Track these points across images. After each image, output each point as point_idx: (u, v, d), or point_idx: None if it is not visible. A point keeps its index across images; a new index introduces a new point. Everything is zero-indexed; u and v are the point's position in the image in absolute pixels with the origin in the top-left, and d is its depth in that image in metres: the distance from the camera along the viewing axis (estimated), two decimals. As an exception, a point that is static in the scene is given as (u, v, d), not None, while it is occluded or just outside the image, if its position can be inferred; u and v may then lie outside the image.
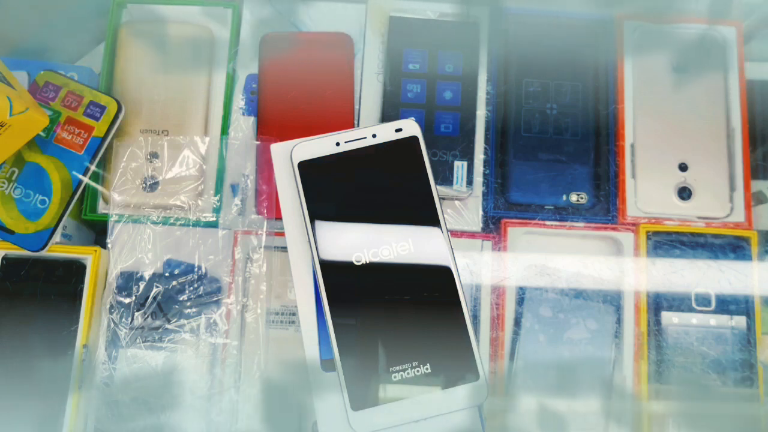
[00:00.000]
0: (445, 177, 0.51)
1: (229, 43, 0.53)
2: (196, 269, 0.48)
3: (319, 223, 0.39)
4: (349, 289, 0.38)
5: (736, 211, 0.51)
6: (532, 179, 0.51)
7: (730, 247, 0.50)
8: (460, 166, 0.51)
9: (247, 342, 0.47)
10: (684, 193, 0.51)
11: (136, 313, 0.47)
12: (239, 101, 0.53)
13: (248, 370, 0.47)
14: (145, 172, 0.50)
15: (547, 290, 0.49)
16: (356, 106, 0.53)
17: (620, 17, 0.54)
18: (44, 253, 0.48)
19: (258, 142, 0.51)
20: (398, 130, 0.40)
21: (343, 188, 0.40)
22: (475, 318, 0.49)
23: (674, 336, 0.48)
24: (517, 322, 0.49)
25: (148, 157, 0.50)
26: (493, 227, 0.51)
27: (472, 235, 0.50)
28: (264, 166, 0.50)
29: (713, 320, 0.49)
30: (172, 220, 0.49)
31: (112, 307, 0.48)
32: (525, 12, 0.54)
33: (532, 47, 0.54)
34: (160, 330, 0.47)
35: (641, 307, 0.49)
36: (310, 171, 0.40)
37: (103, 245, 0.49)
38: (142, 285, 0.48)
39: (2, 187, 0.48)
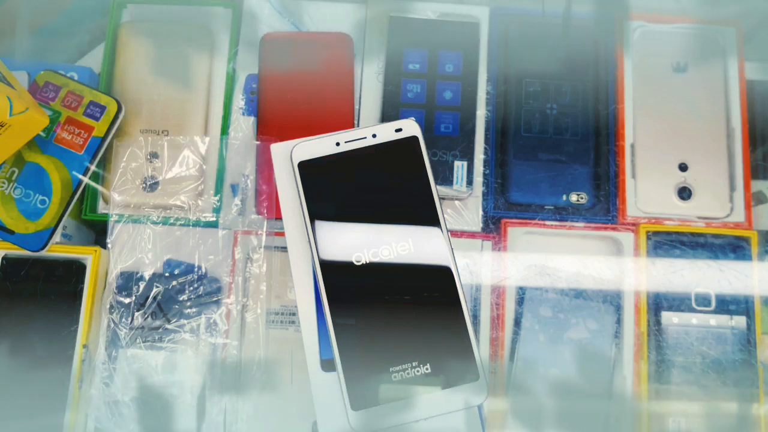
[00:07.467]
0: (445, 177, 0.51)
1: (229, 43, 0.53)
2: (196, 269, 0.48)
3: (319, 223, 0.39)
4: (349, 289, 0.38)
5: (736, 211, 0.51)
6: (532, 179, 0.51)
7: (730, 247, 0.50)
8: (460, 166, 0.51)
9: (247, 342, 0.47)
10: (684, 193, 0.51)
11: (136, 313, 0.47)
12: (239, 101, 0.53)
13: (248, 370, 0.47)
14: (145, 172, 0.50)
15: (547, 290, 0.49)
16: (356, 106, 0.53)
17: (620, 17, 0.54)
18: (44, 253, 0.48)
19: (258, 142, 0.51)
20: (398, 130, 0.40)
21: (343, 188, 0.40)
22: (475, 318, 0.49)
23: (674, 336, 0.48)
24: (517, 322, 0.49)
25: (148, 157, 0.50)
26: (493, 227, 0.51)
27: (472, 235, 0.50)
28: (264, 166, 0.50)
29: (713, 320, 0.49)
30: (172, 220, 0.49)
31: (112, 307, 0.48)
32: (525, 12, 0.54)
33: (532, 47, 0.54)
34: (160, 330, 0.47)
35: (641, 307, 0.49)
36: (310, 171, 0.40)
37: (103, 245, 0.49)
38: (142, 285, 0.48)
39: (2, 187, 0.48)
